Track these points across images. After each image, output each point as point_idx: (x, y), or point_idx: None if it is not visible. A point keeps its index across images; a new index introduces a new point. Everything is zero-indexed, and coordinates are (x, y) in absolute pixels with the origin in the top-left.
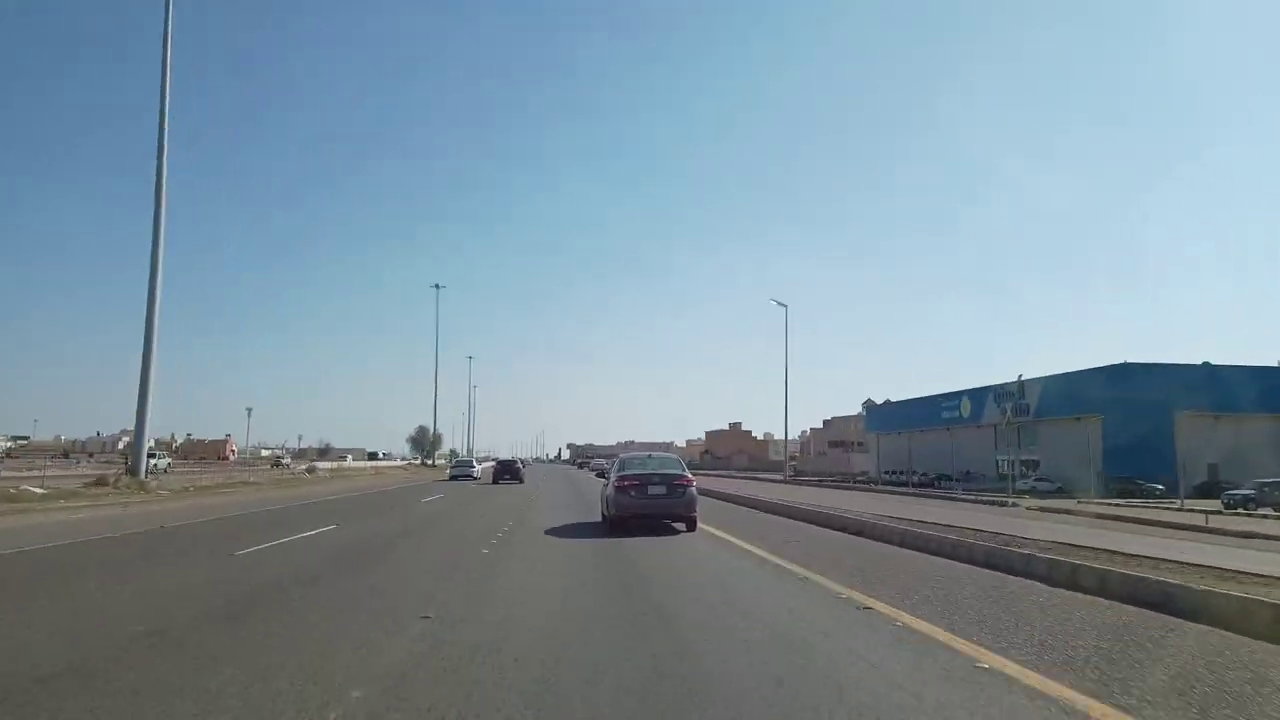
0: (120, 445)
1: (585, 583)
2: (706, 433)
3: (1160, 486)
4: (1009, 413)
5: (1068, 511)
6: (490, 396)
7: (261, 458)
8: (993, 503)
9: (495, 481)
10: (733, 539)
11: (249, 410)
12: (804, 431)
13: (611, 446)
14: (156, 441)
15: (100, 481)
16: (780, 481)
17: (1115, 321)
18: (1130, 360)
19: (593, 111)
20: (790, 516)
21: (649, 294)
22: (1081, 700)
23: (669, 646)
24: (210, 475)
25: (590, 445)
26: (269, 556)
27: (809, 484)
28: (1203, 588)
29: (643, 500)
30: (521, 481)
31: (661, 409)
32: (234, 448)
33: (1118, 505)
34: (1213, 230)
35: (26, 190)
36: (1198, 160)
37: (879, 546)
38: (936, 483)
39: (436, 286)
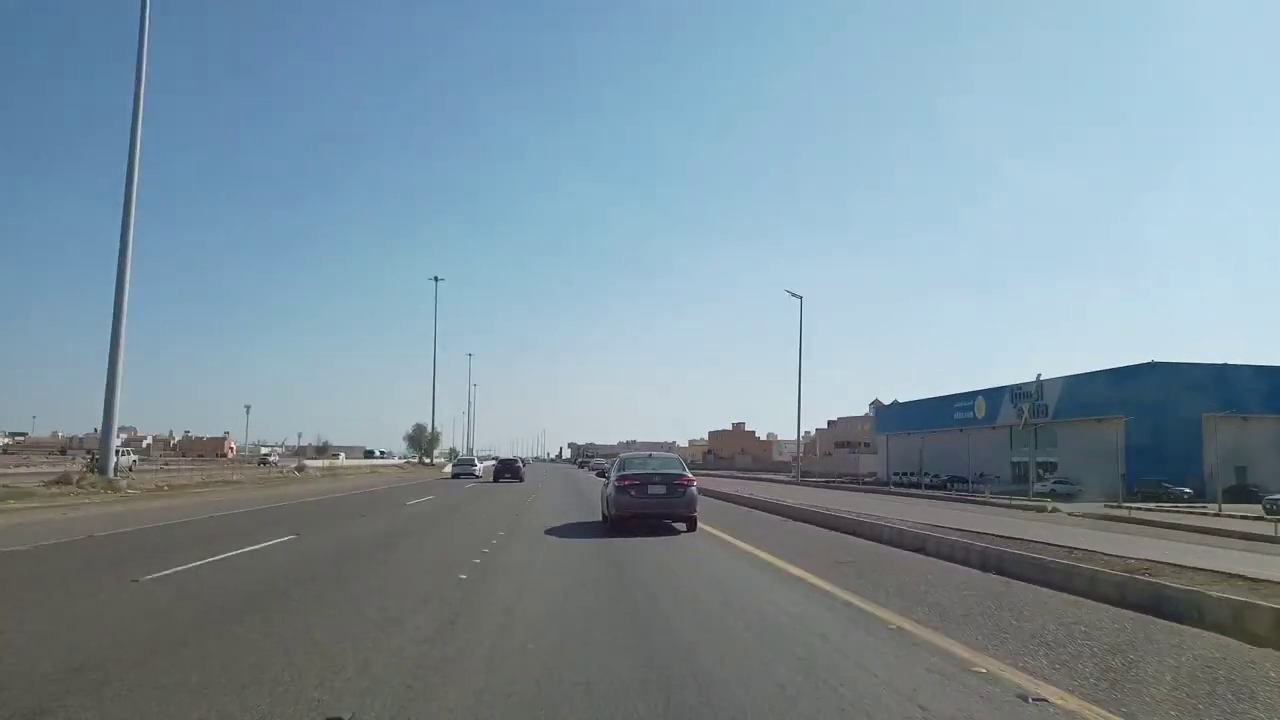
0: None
1: (588, 611)
2: (709, 433)
3: (1188, 490)
4: (1026, 413)
5: (1113, 518)
6: (491, 395)
7: (261, 455)
8: (1026, 507)
9: (496, 480)
10: (759, 552)
11: (248, 408)
12: (807, 432)
13: (613, 446)
14: (154, 439)
15: (63, 480)
16: (786, 482)
17: (1115, 321)
18: (1156, 359)
19: (593, 111)
20: (808, 522)
21: (649, 293)
22: None
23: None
24: (190, 473)
25: (591, 444)
26: (182, 583)
27: (816, 485)
28: None
29: (643, 500)
30: (521, 480)
31: (663, 408)
32: (233, 445)
33: (1165, 511)
34: (1213, 230)
35: (27, 190)
36: (1198, 160)
37: (919, 560)
38: (949, 485)
39: (435, 279)
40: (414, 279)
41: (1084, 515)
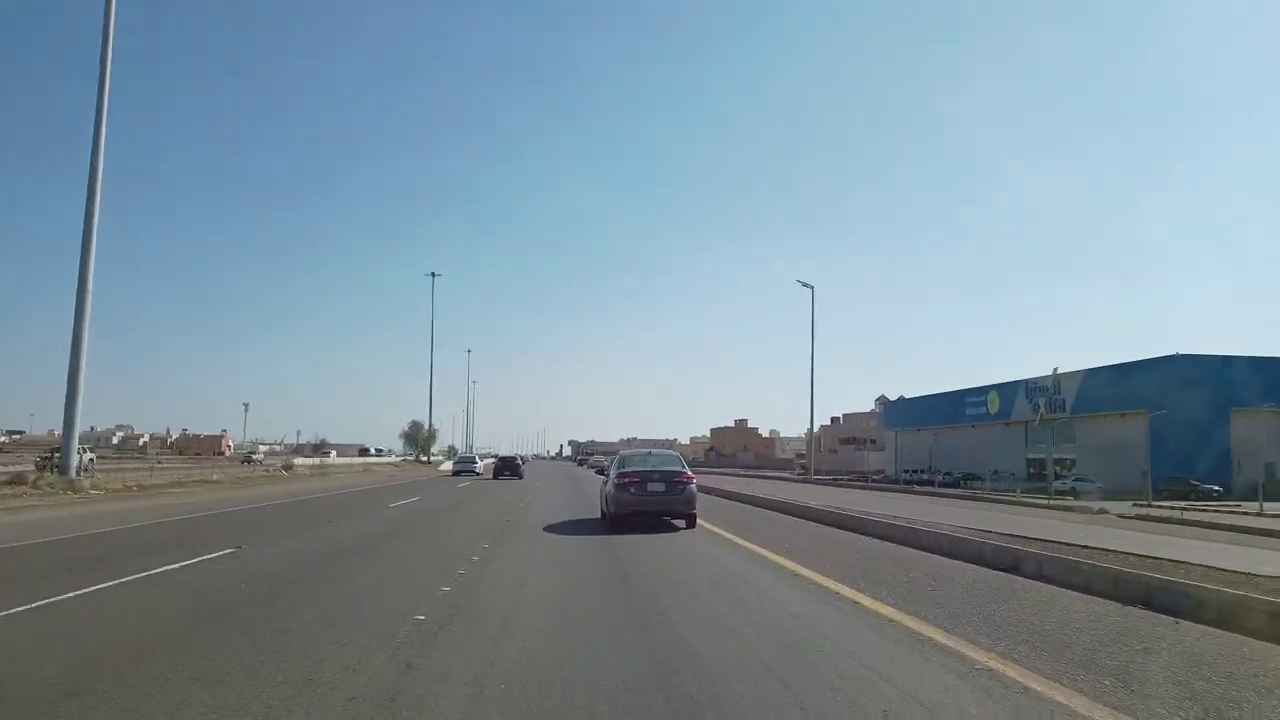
0: (114, 440)
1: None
2: (711, 430)
3: (1218, 488)
4: (1043, 408)
5: (1163, 520)
6: (491, 394)
7: (245, 453)
8: (1064, 508)
9: (496, 477)
10: (791, 564)
11: (246, 406)
12: (809, 429)
13: (614, 443)
14: (151, 437)
15: (17, 480)
16: (791, 479)
17: (1115, 321)
18: (1182, 351)
19: (593, 111)
20: (821, 523)
21: (649, 293)
22: None
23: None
24: (170, 472)
25: (592, 442)
26: (64, 616)
27: (824, 483)
28: None
29: (642, 497)
30: (521, 477)
31: (664, 406)
32: (230, 443)
33: (1212, 511)
34: (1213, 230)
35: (27, 190)
36: (1198, 160)
37: (997, 578)
38: (962, 482)
39: (432, 275)
40: (413, 278)
41: (1137, 517)
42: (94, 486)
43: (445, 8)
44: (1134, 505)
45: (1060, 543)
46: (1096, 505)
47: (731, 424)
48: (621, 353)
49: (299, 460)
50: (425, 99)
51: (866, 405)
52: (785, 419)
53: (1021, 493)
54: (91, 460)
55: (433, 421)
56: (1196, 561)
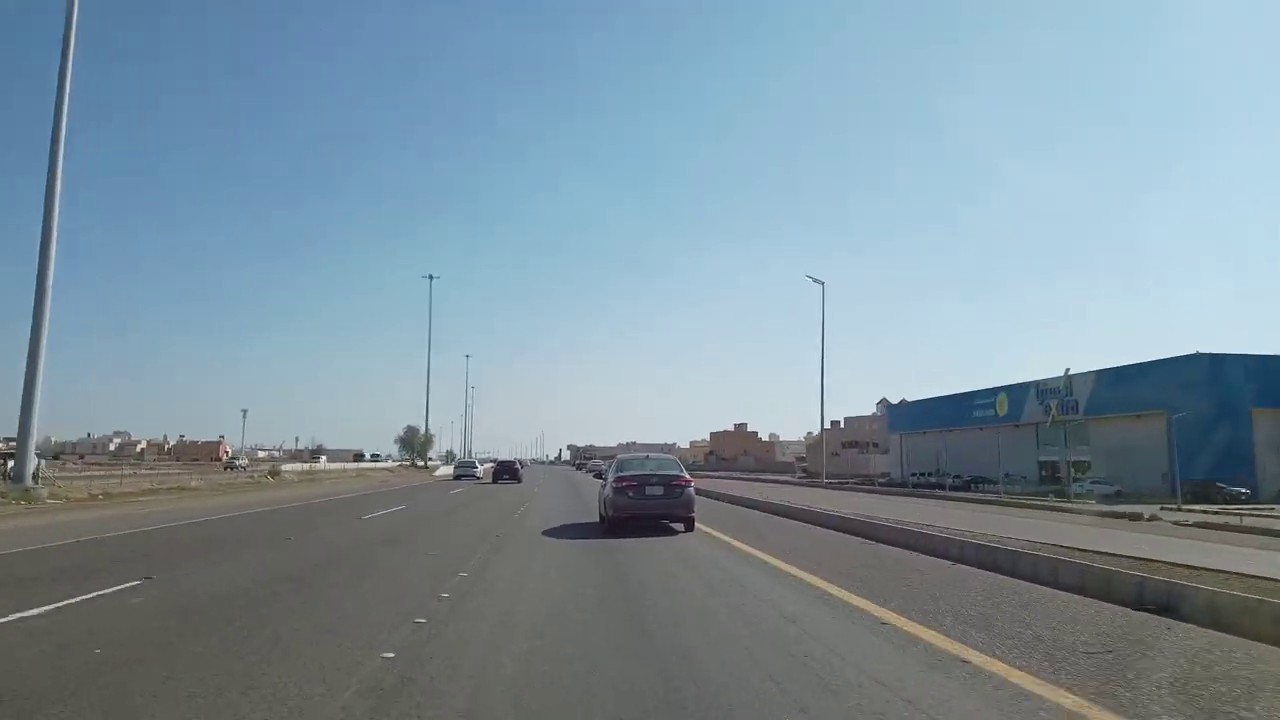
0: (112, 446)
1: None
2: (711, 433)
3: (1245, 490)
4: (1054, 410)
5: (1223, 527)
6: (490, 397)
7: (258, 459)
8: (1111, 515)
9: (495, 480)
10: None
11: (244, 412)
12: (809, 433)
13: (613, 447)
14: (148, 443)
15: None
16: (795, 484)
17: (1115, 321)
18: (1202, 350)
19: (593, 111)
20: (859, 535)
21: (649, 293)
22: None
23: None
24: (145, 479)
25: (591, 446)
26: None
27: (828, 486)
28: None
29: (640, 501)
30: (520, 481)
31: (663, 409)
32: (227, 449)
33: (1259, 515)
34: (1213, 230)
35: (27, 190)
36: (1198, 160)
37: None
38: (972, 485)
39: (430, 277)
40: (413, 280)
41: (1196, 525)
42: (53, 495)
43: (445, 8)
44: (1162, 509)
45: (1168, 563)
46: (1147, 512)
47: (731, 428)
48: (621, 353)
49: (288, 466)
50: (425, 99)
51: (866, 408)
52: (785, 423)
53: (1053, 497)
54: (40, 465)
55: (429, 426)
56: None
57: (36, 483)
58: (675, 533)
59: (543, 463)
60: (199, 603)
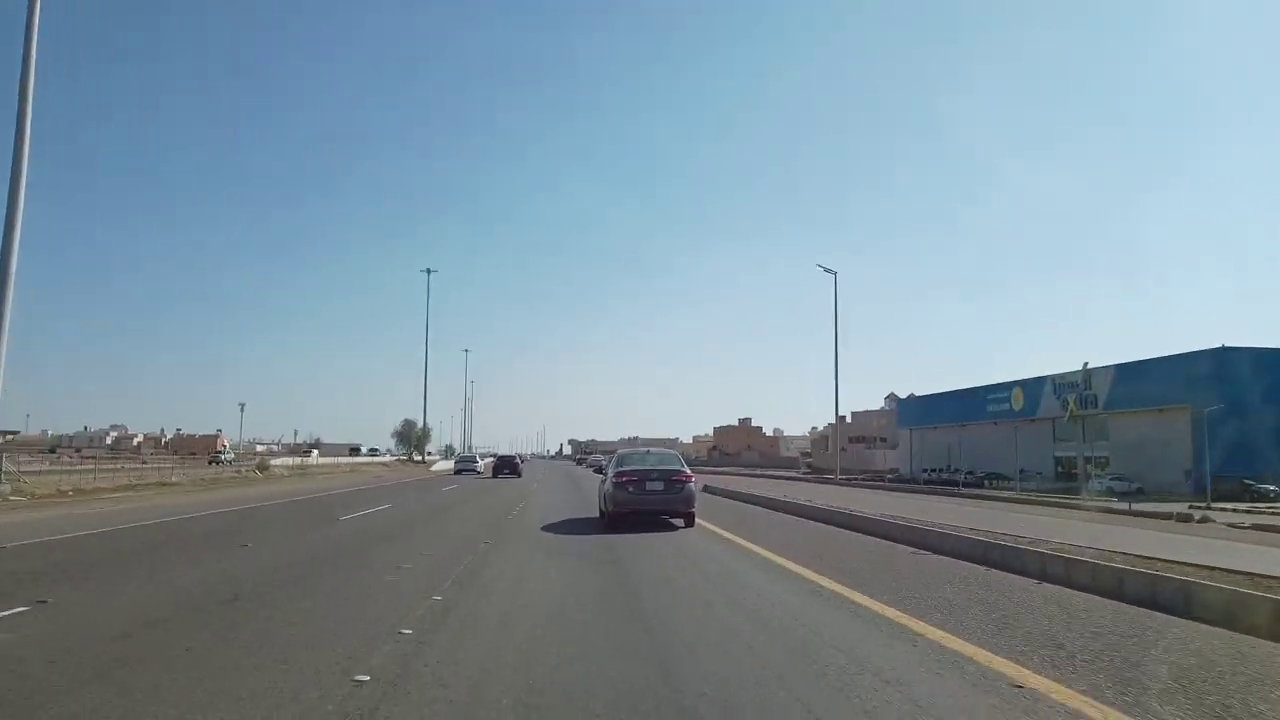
0: (108, 440)
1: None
2: (715, 429)
3: (1274, 488)
4: (1072, 405)
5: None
6: (490, 393)
7: (257, 453)
8: (1153, 515)
9: (495, 475)
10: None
11: (242, 406)
12: (814, 428)
13: (614, 442)
14: (145, 437)
15: None
16: (800, 479)
17: (1115, 321)
18: (1229, 344)
19: (593, 111)
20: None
21: (649, 293)
22: None
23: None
24: (126, 474)
25: (593, 441)
26: None
27: (838, 483)
28: None
29: (641, 496)
30: (519, 476)
31: (666, 405)
32: (225, 443)
33: None
34: (1213, 230)
35: (26, 190)
36: (1198, 160)
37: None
38: (986, 482)
39: (428, 271)
40: (413, 278)
41: (1253, 527)
42: (16, 492)
43: (445, 8)
44: (1190, 507)
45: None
46: (1199, 514)
47: (735, 423)
48: (622, 352)
49: (279, 460)
50: (425, 99)
51: (867, 405)
52: (789, 418)
53: (1078, 495)
54: (1, 461)
55: (427, 420)
56: None
57: (2, 478)
58: (675, 529)
59: (544, 457)
60: (90, 640)
